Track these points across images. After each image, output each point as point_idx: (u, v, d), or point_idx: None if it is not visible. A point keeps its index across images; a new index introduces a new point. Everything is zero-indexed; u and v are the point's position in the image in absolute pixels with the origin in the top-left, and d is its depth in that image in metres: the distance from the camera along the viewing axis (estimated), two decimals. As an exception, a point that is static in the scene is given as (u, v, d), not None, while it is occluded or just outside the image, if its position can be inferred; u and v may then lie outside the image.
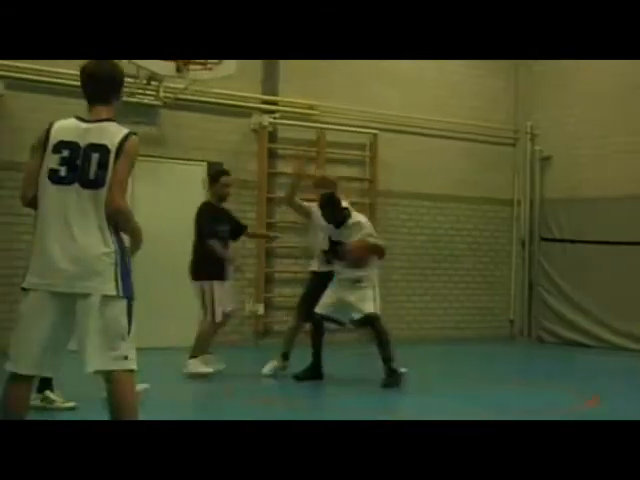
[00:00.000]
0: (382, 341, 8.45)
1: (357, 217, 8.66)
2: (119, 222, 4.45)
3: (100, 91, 4.62)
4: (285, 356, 8.98)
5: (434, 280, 13.34)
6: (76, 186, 4.37)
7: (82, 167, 4.37)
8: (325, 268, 8.78)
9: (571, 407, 7.74)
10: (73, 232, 4.35)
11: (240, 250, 11.48)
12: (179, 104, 10.95)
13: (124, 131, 4.47)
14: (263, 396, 8.06)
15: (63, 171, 4.38)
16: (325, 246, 8.70)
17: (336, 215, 8.55)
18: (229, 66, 10.24)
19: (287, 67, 11.96)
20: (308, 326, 8.95)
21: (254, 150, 11.82)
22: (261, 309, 11.79)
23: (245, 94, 11.67)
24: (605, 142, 12.58)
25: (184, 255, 9.25)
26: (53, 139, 4.48)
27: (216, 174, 9.09)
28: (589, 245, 12.82)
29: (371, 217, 12.39)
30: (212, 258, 8.60)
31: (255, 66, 11.77)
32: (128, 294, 4.39)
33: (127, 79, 10.54)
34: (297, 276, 11.92)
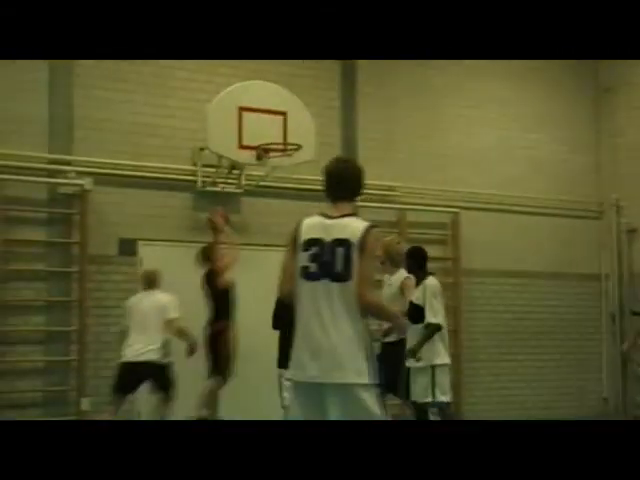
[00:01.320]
0: None
1: (430, 281, 8.61)
2: (372, 315, 4.68)
3: (345, 191, 4.87)
4: None
5: (522, 359, 13.04)
6: (325, 281, 4.59)
7: (329, 262, 4.59)
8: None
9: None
10: (325, 325, 4.56)
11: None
12: (260, 191, 11.09)
13: (365, 225, 4.70)
14: None
15: (313, 267, 4.62)
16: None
17: (419, 270, 8.61)
18: (308, 151, 10.37)
19: (365, 149, 12.06)
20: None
21: (335, 233, 11.84)
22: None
23: (325, 178, 11.76)
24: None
25: (268, 342, 9.30)
26: (302, 237, 4.72)
27: None
28: (683, 318, 12.41)
29: (455, 296, 12.30)
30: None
31: (334, 150, 11.88)
32: (377, 381, 4.55)
33: (209, 169, 10.90)
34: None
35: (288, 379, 4.75)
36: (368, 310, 4.58)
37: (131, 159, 10.56)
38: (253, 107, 10.09)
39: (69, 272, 10.22)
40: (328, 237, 4.63)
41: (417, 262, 8.74)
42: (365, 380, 4.48)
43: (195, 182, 10.82)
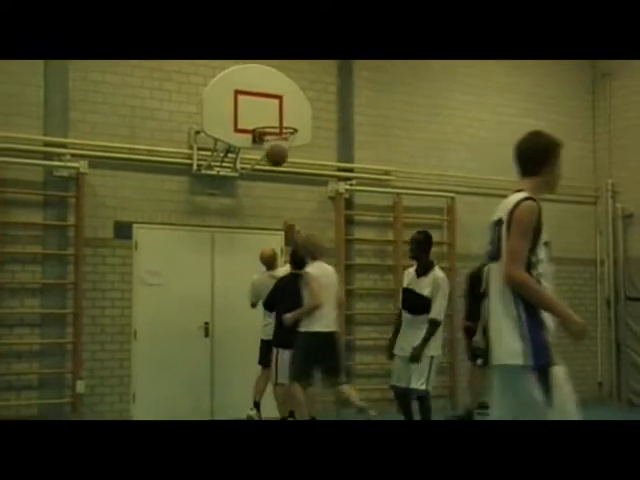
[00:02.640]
0: (426, 418, 8.33)
1: (439, 273, 8.52)
2: (520, 293, 4.36)
3: (521, 165, 4.71)
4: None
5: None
6: (487, 260, 4.54)
7: (491, 241, 4.51)
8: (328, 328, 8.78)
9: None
10: (489, 306, 4.51)
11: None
12: (256, 175, 11.08)
13: (517, 198, 4.46)
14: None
15: (487, 248, 4.57)
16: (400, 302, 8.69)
17: (423, 257, 8.48)
18: (305, 135, 10.35)
19: (361, 133, 12.06)
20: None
21: (331, 217, 11.85)
22: (342, 378, 11.65)
23: (321, 162, 11.76)
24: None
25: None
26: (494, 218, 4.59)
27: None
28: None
29: (450, 281, 12.26)
30: (283, 327, 9.00)
31: (330, 134, 11.88)
32: (539, 363, 4.29)
33: (205, 152, 10.86)
34: (377, 343, 11.82)
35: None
36: (513, 286, 4.30)
37: (127, 142, 10.53)
38: (249, 90, 10.06)
39: (65, 255, 10.22)
40: (497, 216, 4.51)
41: (424, 247, 8.57)
42: (519, 361, 4.27)
43: (191, 165, 10.81)
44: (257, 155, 10.66)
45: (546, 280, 4.39)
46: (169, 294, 10.62)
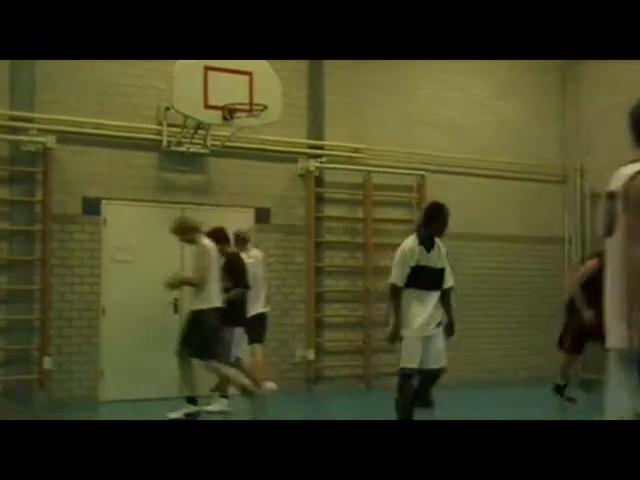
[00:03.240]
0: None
1: (442, 244, 7.94)
2: (629, 275, 4.07)
3: (636, 132, 4.26)
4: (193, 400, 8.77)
5: (483, 321, 13.16)
6: (603, 235, 4.31)
7: (605, 215, 4.24)
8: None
9: None
10: (607, 283, 4.24)
11: (289, 295, 11.50)
12: (226, 151, 11.03)
13: (634, 170, 4.12)
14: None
15: None
16: (401, 280, 7.61)
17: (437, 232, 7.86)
18: (275, 112, 10.32)
19: (332, 111, 12.04)
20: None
21: (301, 195, 11.84)
22: (311, 354, 11.72)
23: (291, 139, 11.73)
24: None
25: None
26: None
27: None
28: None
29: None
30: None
31: (301, 111, 11.84)
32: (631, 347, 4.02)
33: (175, 128, 10.76)
34: (347, 320, 11.87)
35: None
36: (627, 268, 4.03)
37: (95, 117, 10.43)
38: (219, 67, 10.00)
39: (32, 231, 10.13)
40: (610, 188, 4.22)
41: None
42: (623, 345, 4.03)
43: (160, 142, 10.74)
44: (227, 132, 10.62)
45: None
46: (138, 271, 10.58)
